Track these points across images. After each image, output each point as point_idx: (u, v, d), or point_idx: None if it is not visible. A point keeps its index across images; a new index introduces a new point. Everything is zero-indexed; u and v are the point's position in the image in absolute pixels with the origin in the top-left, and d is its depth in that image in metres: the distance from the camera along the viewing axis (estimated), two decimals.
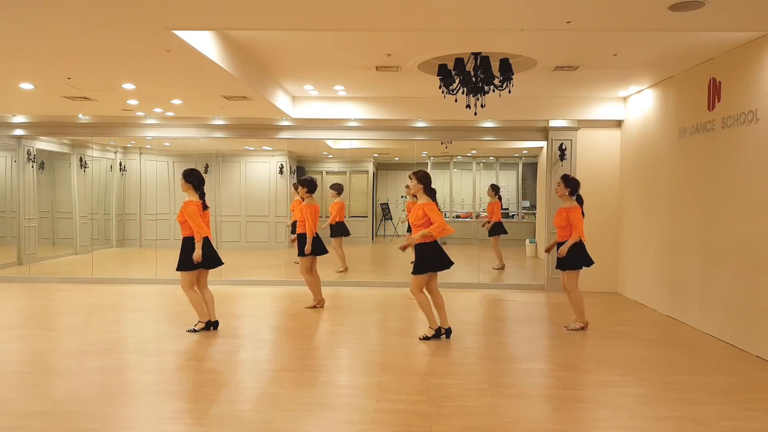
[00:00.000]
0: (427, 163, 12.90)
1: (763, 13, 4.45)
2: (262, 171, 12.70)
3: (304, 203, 7.08)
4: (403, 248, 5.79)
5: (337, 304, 7.62)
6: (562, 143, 8.75)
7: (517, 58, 6.26)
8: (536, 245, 12.09)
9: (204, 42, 5.19)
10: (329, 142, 10.79)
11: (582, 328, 6.23)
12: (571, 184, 6.17)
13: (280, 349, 5.55)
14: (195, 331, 5.93)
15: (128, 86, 6.80)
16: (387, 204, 13.29)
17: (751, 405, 4.08)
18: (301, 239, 7.03)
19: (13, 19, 4.48)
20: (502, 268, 10.38)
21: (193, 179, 5.88)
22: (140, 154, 13.27)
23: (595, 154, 8.75)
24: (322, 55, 6.30)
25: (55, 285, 8.90)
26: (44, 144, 10.80)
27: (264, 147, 12.40)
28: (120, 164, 13.14)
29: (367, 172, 12.75)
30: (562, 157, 8.71)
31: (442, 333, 5.76)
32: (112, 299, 7.80)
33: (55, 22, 4.55)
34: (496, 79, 6.00)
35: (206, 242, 5.84)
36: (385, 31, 5.29)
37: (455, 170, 13.48)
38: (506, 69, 5.93)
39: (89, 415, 3.77)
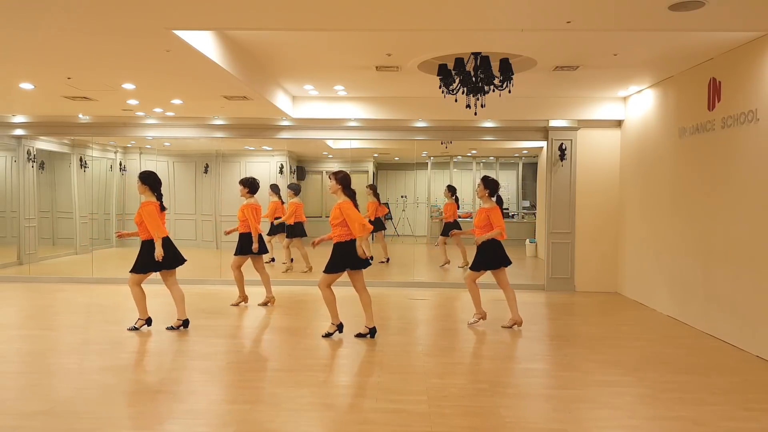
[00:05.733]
0: (428, 163, 12.90)
1: (763, 13, 4.45)
2: (262, 171, 12.67)
3: (245, 203, 7.24)
4: (315, 244, 5.75)
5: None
6: (562, 143, 8.75)
7: (517, 58, 6.26)
8: (536, 245, 12.10)
9: (204, 42, 5.19)
10: (329, 142, 10.79)
11: (482, 319, 6.38)
12: (490, 185, 6.27)
13: (279, 349, 5.55)
14: (135, 329, 5.97)
15: (128, 86, 6.80)
16: (387, 204, 13.28)
17: (751, 405, 4.08)
18: (243, 238, 7.15)
19: (13, 19, 4.48)
20: (447, 263, 10.59)
21: (151, 182, 6.06)
22: (140, 154, 13.26)
23: (595, 154, 8.75)
24: (322, 55, 6.30)
25: (55, 285, 8.89)
26: (44, 144, 10.80)
27: (264, 147, 12.39)
28: (120, 164, 13.14)
29: (367, 172, 12.75)
30: (562, 157, 8.71)
31: (337, 331, 5.77)
32: (112, 299, 7.80)
33: (55, 22, 4.55)
34: (496, 79, 6.00)
35: (168, 242, 5.95)
36: (385, 31, 5.29)
37: (455, 170, 13.49)
38: (506, 69, 5.93)
39: (89, 415, 3.77)
